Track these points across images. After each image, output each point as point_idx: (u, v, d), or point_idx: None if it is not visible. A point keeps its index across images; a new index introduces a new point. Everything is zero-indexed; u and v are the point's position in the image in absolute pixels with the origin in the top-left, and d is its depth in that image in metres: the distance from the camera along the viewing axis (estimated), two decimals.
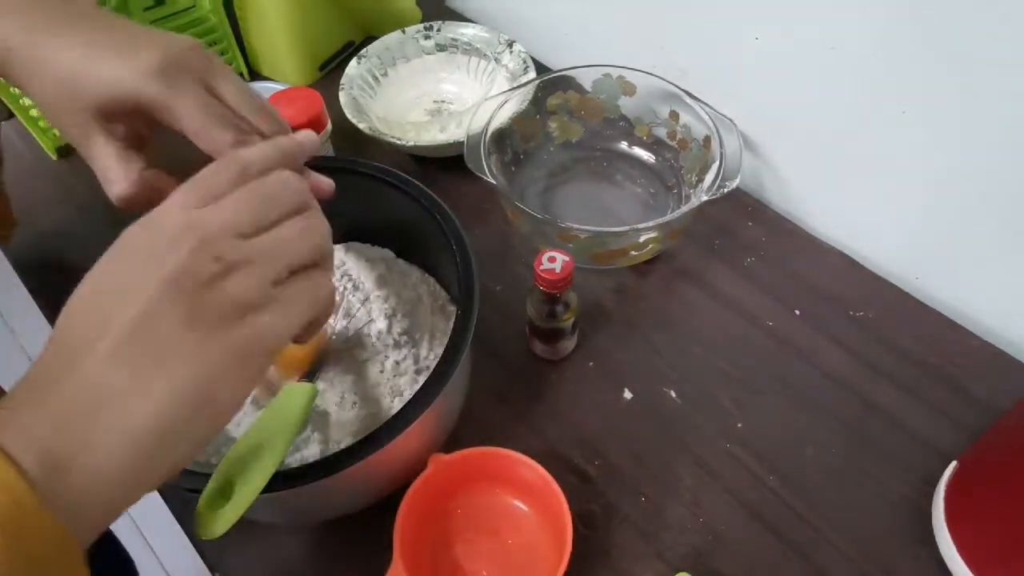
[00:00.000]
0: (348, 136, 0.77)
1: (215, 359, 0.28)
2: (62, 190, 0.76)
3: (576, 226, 0.60)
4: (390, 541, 0.46)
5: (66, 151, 0.79)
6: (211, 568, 0.51)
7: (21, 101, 0.75)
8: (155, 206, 0.31)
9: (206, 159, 0.36)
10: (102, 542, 0.77)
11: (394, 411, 0.43)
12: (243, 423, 0.51)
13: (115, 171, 0.38)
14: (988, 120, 0.52)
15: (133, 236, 0.30)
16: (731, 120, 0.65)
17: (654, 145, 0.74)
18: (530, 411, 0.58)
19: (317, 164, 0.56)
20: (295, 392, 0.45)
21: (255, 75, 0.87)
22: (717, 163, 0.63)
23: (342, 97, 0.75)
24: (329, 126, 0.66)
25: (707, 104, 0.66)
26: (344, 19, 0.86)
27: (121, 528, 1.34)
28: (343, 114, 0.74)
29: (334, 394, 0.53)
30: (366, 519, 0.51)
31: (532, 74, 0.76)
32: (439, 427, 0.51)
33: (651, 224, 0.60)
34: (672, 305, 0.65)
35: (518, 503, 0.52)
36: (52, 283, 0.67)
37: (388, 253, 0.61)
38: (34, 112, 0.77)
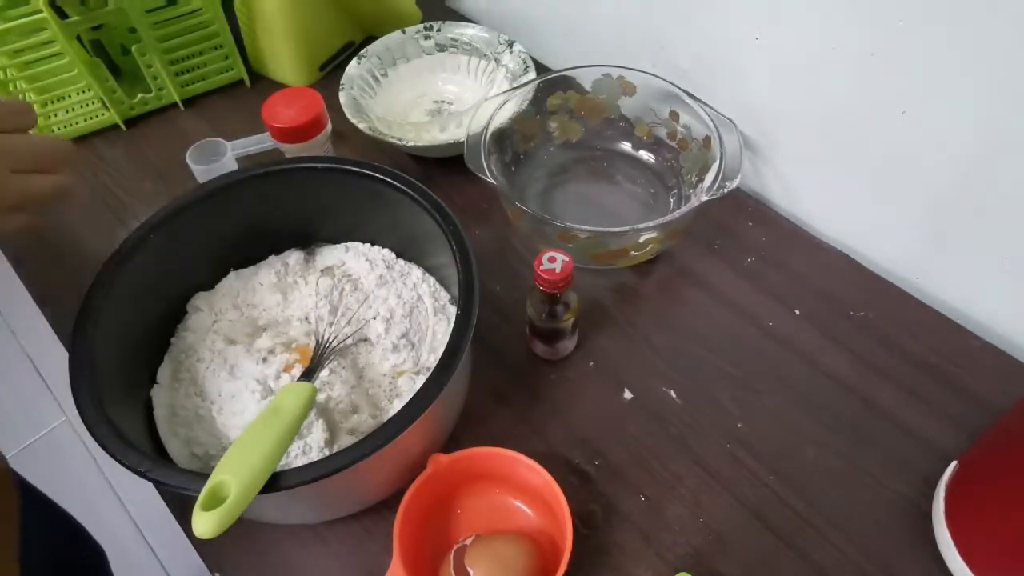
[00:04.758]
0: (348, 136, 0.77)
1: None
2: None
3: (576, 226, 0.60)
4: (390, 541, 0.46)
5: None
6: (211, 568, 0.51)
7: (21, 99, 0.75)
8: None
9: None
10: (73, 534, 0.77)
11: (394, 412, 0.43)
12: (242, 423, 0.51)
13: None
14: (987, 120, 0.52)
15: None
16: (731, 120, 0.65)
17: (654, 145, 0.74)
18: (530, 411, 0.58)
19: (318, 164, 0.56)
20: (294, 391, 0.46)
21: (255, 75, 0.88)
22: (717, 163, 0.63)
23: (342, 97, 0.75)
24: (329, 126, 0.67)
25: (707, 104, 0.66)
26: (344, 19, 0.86)
27: (121, 527, 1.34)
28: (343, 114, 0.74)
29: (334, 394, 0.53)
30: (366, 519, 0.51)
31: (532, 74, 0.76)
32: (439, 427, 0.51)
33: (651, 224, 0.60)
34: (672, 305, 0.65)
35: (518, 503, 0.52)
36: (52, 282, 0.67)
37: (388, 253, 0.61)
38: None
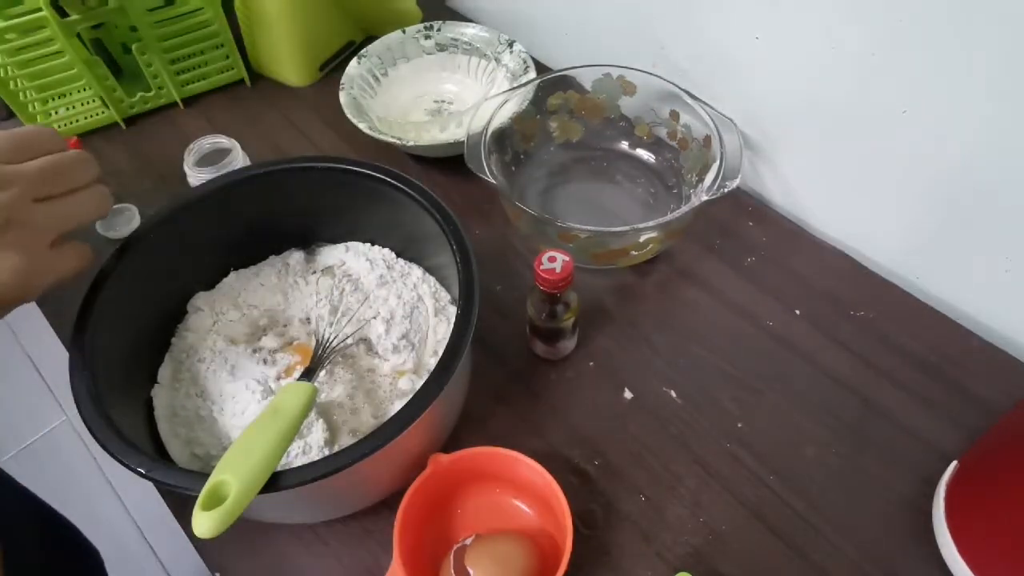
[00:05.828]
0: (348, 136, 0.77)
1: None
2: None
3: (576, 226, 0.60)
4: (390, 541, 0.46)
5: None
6: (211, 568, 0.51)
7: (20, 97, 0.75)
8: None
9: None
10: (64, 535, 0.78)
11: (394, 412, 0.43)
12: (243, 423, 0.51)
13: None
14: (988, 119, 0.52)
15: None
16: (731, 120, 0.65)
17: (654, 145, 0.74)
18: (530, 411, 0.58)
19: (318, 164, 0.56)
20: (294, 391, 0.46)
21: (255, 75, 0.88)
22: (717, 163, 0.63)
23: (342, 97, 0.75)
24: None
25: (707, 104, 0.66)
26: (344, 19, 0.86)
27: (121, 528, 1.34)
28: (343, 114, 0.73)
29: (334, 394, 0.53)
30: (366, 519, 0.51)
31: (532, 74, 0.76)
32: (439, 427, 0.51)
33: (651, 224, 0.60)
34: (672, 305, 0.65)
35: (518, 503, 0.52)
36: None
37: (388, 253, 0.61)
38: (31, 109, 0.77)
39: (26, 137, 0.42)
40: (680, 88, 0.68)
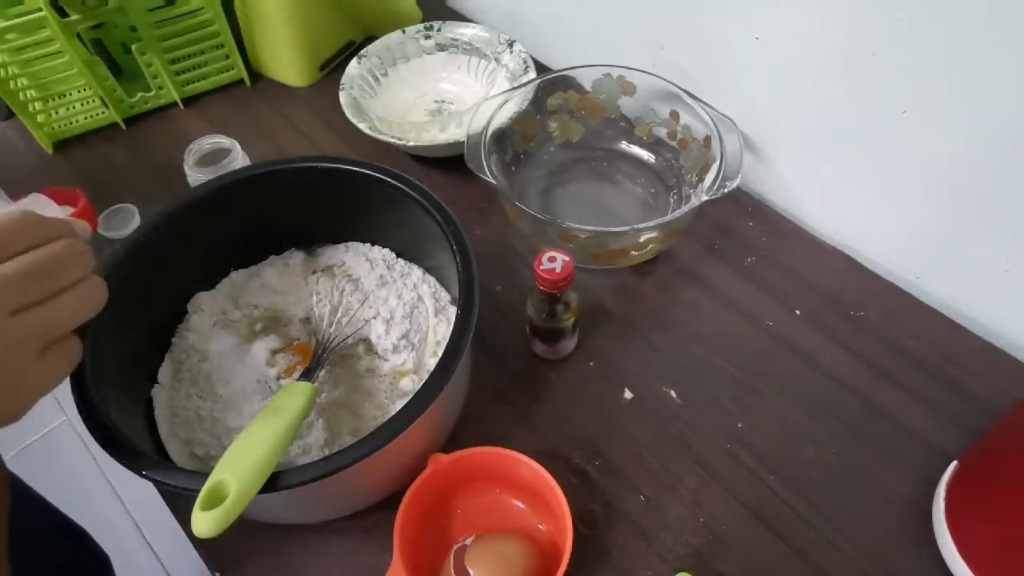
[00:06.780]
0: (348, 136, 0.77)
1: None
2: (58, 183, 0.76)
3: (576, 226, 0.60)
4: (390, 541, 0.46)
5: (62, 145, 0.80)
6: (211, 568, 0.51)
7: (20, 96, 0.75)
8: None
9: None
10: (78, 542, 0.78)
11: (394, 412, 0.43)
12: (243, 424, 0.51)
13: None
14: (988, 119, 0.52)
15: None
16: (731, 120, 0.65)
17: (654, 145, 0.74)
18: (530, 411, 0.58)
19: (318, 164, 0.56)
20: (294, 391, 0.46)
21: (255, 75, 0.88)
22: (717, 163, 0.63)
23: (342, 97, 0.75)
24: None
25: (707, 104, 0.66)
26: (344, 19, 0.86)
27: (121, 528, 1.34)
28: (343, 114, 0.73)
29: (334, 394, 0.53)
30: (366, 519, 0.51)
31: (532, 74, 0.76)
32: (439, 427, 0.51)
33: (651, 224, 0.60)
34: (672, 305, 0.65)
35: (518, 503, 0.52)
36: None
37: (389, 253, 0.61)
38: (31, 108, 0.77)
39: (5, 228, 0.35)
40: (680, 88, 0.68)
